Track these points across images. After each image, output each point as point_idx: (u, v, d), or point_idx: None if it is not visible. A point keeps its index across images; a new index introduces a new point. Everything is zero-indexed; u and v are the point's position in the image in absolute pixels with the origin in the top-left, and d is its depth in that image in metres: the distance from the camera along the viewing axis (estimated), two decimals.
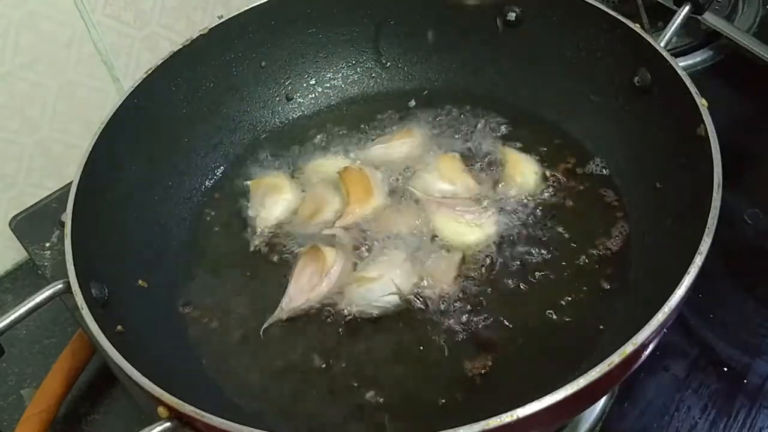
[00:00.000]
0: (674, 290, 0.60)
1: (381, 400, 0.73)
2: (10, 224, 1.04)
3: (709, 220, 0.64)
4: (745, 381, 0.81)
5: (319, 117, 1.04)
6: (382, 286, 0.78)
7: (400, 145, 0.94)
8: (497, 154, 0.92)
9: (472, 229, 0.84)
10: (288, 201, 0.91)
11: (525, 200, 0.87)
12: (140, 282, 0.81)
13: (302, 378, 0.76)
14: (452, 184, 0.89)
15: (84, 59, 1.04)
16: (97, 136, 0.81)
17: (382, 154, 0.94)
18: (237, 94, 0.99)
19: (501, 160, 0.92)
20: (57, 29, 0.99)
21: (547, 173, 0.90)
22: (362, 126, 1.00)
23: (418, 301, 0.79)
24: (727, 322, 0.86)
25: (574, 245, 0.83)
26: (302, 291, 0.81)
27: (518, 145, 0.94)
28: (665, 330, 0.61)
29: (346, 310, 0.79)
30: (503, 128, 0.96)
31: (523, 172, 0.89)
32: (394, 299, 0.78)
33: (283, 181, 0.93)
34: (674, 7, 0.90)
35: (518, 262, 0.82)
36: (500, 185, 0.89)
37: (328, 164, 0.94)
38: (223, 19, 0.93)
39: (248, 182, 0.94)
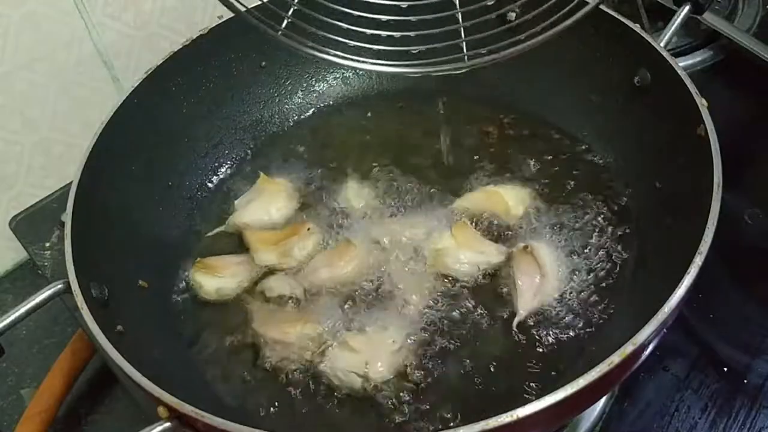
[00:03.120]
0: (674, 290, 0.60)
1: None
2: (10, 224, 1.04)
3: (709, 220, 0.64)
4: (745, 381, 0.81)
5: (320, 117, 1.04)
6: (355, 362, 0.73)
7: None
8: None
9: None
10: (268, 215, 0.90)
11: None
12: (140, 282, 0.81)
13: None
14: (479, 252, 0.82)
15: (84, 59, 1.04)
16: (97, 136, 0.81)
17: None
18: (237, 94, 0.99)
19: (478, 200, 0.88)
20: (57, 29, 0.99)
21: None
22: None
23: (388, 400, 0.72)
24: (727, 322, 0.86)
25: (574, 245, 0.83)
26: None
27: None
28: (665, 330, 0.61)
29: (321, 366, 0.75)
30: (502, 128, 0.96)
31: (509, 202, 0.87)
32: (357, 382, 0.73)
33: (281, 194, 0.91)
34: (674, 7, 0.90)
35: None
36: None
37: None
38: (223, 19, 0.93)
39: (261, 173, 0.93)
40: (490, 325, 0.77)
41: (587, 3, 0.65)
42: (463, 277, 0.81)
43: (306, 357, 0.76)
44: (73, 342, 0.91)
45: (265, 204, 0.90)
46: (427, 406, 0.72)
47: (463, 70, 0.69)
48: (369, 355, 0.74)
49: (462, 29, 0.68)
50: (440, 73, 0.69)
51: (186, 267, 0.87)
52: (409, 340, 0.76)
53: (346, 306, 0.80)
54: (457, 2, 0.69)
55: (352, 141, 1.00)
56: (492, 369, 0.74)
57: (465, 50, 0.68)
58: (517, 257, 0.80)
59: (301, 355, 0.76)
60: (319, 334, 0.77)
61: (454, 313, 0.78)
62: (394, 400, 0.72)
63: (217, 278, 0.84)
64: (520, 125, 0.97)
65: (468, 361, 0.75)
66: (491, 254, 0.82)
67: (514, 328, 0.76)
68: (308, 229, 0.86)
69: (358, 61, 0.72)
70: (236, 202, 0.92)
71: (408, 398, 0.72)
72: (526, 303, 0.77)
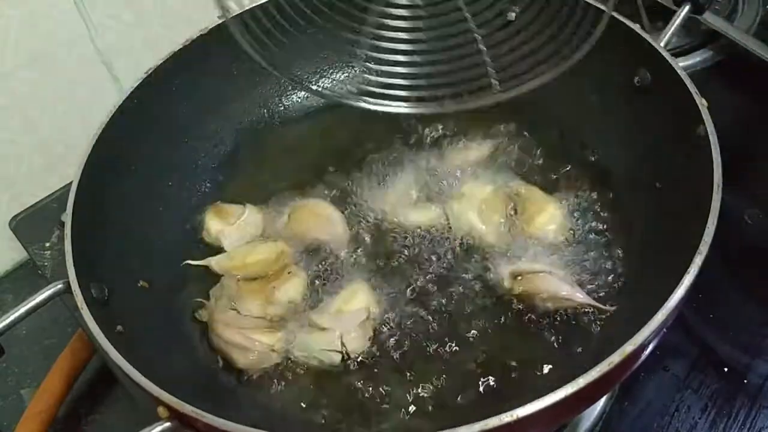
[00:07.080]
0: (674, 290, 0.60)
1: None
2: (10, 224, 1.04)
3: (709, 220, 0.64)
4: (745, 381, 0.81)
5: (320, 117, 1.04)
6: (328, 340, 0.75)
7: None
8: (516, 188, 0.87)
9: None
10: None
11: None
12: (140, 282, 0.81)
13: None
14: (484, 223, 0.83)
15: (84, 59, 1.04)
16: (97, 136, 0.81)
17: None
18: (237, 94, 0.99)
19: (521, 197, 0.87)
20: (57, 29, 0.99)
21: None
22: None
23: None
24: (727, 322, 0.86)
25: (574, 246, 0.83)
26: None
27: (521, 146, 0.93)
28: (665, 330, 0.61)
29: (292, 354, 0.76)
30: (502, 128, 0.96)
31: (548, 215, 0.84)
32: (337, 358, 0.74)
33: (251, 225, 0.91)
34: (674, 7, 0.90)
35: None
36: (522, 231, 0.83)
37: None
38: (223, 19, 0.93)
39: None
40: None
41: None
42: None
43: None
44: (73, 342, 0.90)
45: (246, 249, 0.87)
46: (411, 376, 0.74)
47: (491, 102, 0.68)
48: (340, 329, 0.75)
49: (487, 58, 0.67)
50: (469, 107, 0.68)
51: (186, 267, 0.86)
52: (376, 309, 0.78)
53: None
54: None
55: (353, 142, 1.00)
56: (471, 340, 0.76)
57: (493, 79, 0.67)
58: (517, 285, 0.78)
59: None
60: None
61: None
62: (377, 369, 0.74)
63: (224, 224, 0.87)
64: (518, 126, 0.97)
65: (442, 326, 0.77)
66: (491, 233, 0.83)
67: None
68: (288, 272, 0.83)
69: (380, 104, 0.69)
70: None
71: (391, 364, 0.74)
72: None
